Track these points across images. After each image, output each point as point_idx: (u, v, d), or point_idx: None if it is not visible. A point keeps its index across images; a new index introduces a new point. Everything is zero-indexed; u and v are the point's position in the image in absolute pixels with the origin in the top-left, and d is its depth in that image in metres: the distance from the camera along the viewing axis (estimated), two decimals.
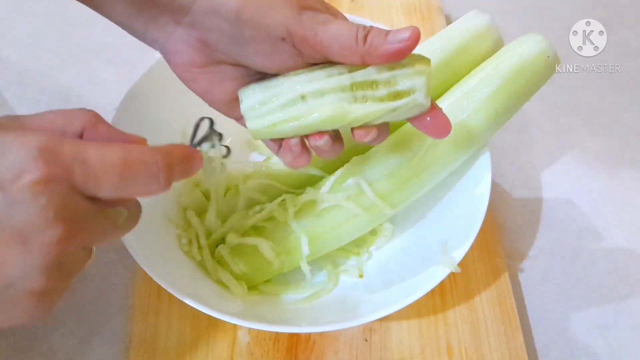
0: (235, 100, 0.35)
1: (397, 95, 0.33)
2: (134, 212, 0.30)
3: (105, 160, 0.25)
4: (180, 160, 0.29)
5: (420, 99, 0.33)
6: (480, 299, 0.47)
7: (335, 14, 0.34)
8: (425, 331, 0.45)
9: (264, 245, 0.43)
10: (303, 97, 0.33)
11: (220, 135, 0.36)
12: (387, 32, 0.31)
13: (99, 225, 0.27)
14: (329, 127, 0.34)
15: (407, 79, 0.32)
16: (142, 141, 0.30)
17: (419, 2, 0.71)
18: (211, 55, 0.34)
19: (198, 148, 0.35)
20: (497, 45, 0.45)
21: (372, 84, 0.33)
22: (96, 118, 0.28)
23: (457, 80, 0.44)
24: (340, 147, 0.36)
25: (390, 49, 0.31)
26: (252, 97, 0.34)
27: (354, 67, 0.33)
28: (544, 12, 0.74)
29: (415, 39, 0.31)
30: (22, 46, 0.64)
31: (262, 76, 0.35)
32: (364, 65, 0.32)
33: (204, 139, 0.35)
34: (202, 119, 0.36)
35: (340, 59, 0.32)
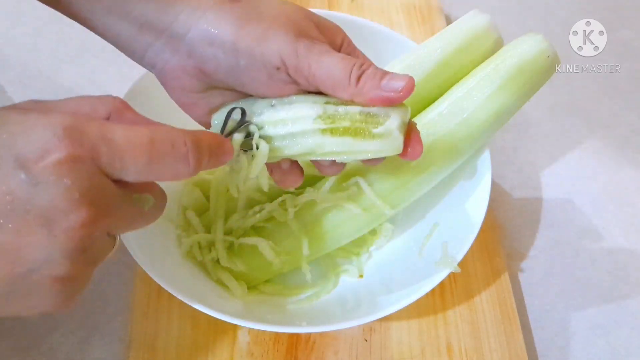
0: None
1: (374, 136, 0.32)
2: (159, 200, 0.28)
3: (132, 140, 0.24)
4: (210, 147, 0.28)
5: (396, 143, 0.32)
6: (480, 299, 0.47)
7: (334, 41, 0.33)
8: (425, 331, 0.45)
9: (263, 245, 0.42)
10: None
11: (252, 127, 0.33)
12: (382, 76, 0.31)
13: (124, 210, 0.26)
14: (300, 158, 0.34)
15: (383, 124, 0.32)
16: None
17: (419, 2, 0.70)
18: (209, 82, 0.34)
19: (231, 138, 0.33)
20: (497, 45, 0.45)
21: (351, 119, 0.32)
22: (123, 104, 0.27)
23: (457, 80, 0.44)
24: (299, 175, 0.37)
25: (381, 96, 0.31)
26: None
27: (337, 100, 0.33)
28: (544, 12, 0.74)
29: (409, 90, 0.31)
30: (22, 46, 0.64)
31: None
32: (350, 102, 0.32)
33: (235, 131, 0.33)
34: (233, 108, 0.33)
35: (330, 92, 0.32)
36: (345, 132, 0.32)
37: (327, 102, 0.33)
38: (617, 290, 0.50)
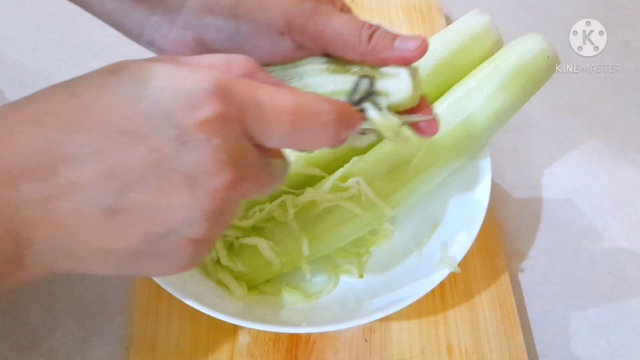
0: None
1: (382, 75, 0.31)
2: (287, 166, 0.28)
3: (279, 104, 0.23)
4: (348, 118, 0.27)
5: (404, 84, 0.31)
6: (480, 299, 0.47)
7: (334, 2, 0.32)
8: (425, 331, 0.45)
9: (263, 246, 0.42)
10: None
11: (383, 97, 0.30)
12: (394, 37, 0.30)
13: (260, 175, 0.25)
14: None
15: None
16: None
17: (419, 2, 0.71)
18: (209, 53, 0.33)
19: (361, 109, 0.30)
20: (497, 45, 0.45)
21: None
22: (255, 66, 0.26)
23: (457, 80, 0.44)
24: None
25: (394, 55, 0.30)
26: None
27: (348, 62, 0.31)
28: (544, 12, 0.74)
29: (423, 51, 0.30)
30: (22, 46, 0.64)
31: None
32: (360, 62, 0.31)
33: (363, 100, 0.30)
34: (362, 76, 0.31)
35: (339, 53, 0.31)
36: (354, 74, 0.31)
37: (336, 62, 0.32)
38: (617, 290, 0.50)
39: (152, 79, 0.22)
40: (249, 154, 0.24)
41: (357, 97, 0.30)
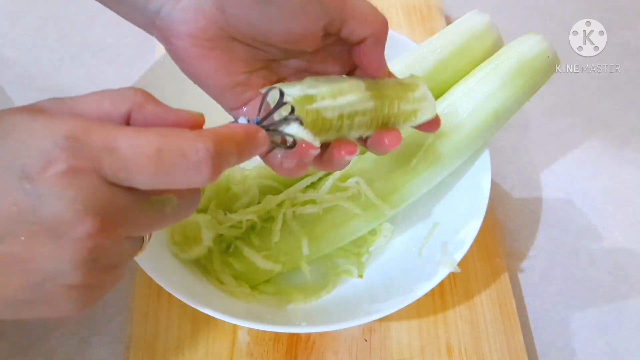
0: (240, 86, 0.32)
1: (414, 100, 0.34)
2: (186, 200, 0.26)
3: (136, 150, 0.23)
4: (238, 144, 0.25)
5: (431, 105, 0.35)
6: (480, 299, 0.47)
7: None
8: (425, 331, 0.45)
9: (257, 259, 0.43)
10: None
11: (291, 110, 0.29)
12: None
13: (141, 215, 0.24)
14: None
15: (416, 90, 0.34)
16: (195, 120, 0.26)
17: (419, 2, 0.71)
18: (224, 26, 0.30)
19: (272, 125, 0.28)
20: (497, 45, 0.45)
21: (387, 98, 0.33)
22: (144, 97, 0.25)
23: (457, 80, 0.44)
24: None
25: None
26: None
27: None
28: (544, 12, 0.74)
29: None
30: (22, 46, 0.64)
31: (268, 64, 0.33)
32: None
33: (272, 115, 0.29)
34: (270, 88, 0.30)
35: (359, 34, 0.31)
36: (390, 98, 0.33)
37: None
38: (617, 290, 0.50)
39: (8, 134, 0.23)
40: (116, 198, 0.23)
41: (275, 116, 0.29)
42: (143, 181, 0.23)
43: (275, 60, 0.33)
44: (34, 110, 0.24)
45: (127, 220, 0.24)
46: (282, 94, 0.29)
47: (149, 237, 0.27)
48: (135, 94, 0.26)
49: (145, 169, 0.23)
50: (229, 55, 0.31)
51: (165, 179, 0.24)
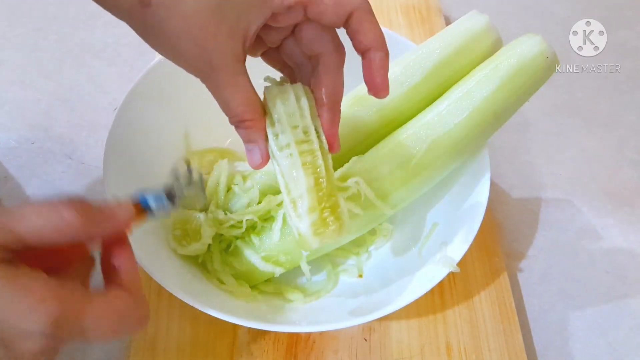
0: (238, 62, 0.31)
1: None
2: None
3: (99, 330, 0.28)
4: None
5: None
6: (480, 299, 0.47)
7: None
8: (424, 330, 0.45)
9: (256, 260, 0.43)
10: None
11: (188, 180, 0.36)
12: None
13: None
14: None
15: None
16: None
17: (418, 2, 0.71)
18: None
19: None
20: (497, 45, 0.45)
21: None
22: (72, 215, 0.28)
23: (457, 81, 0.45)
24: None
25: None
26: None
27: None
28: (544, 12, 0.74)
29: None
30: (22, 46, 0.64)
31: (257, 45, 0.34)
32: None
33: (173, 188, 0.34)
34: (175, 168, 0.36)
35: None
36: None
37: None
38: (615, 290, 0.50)
39: None
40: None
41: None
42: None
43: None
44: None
45: None
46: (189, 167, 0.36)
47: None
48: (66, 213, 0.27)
49: (107, 335, 0.29)
50: (233, 25, 0.31)
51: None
